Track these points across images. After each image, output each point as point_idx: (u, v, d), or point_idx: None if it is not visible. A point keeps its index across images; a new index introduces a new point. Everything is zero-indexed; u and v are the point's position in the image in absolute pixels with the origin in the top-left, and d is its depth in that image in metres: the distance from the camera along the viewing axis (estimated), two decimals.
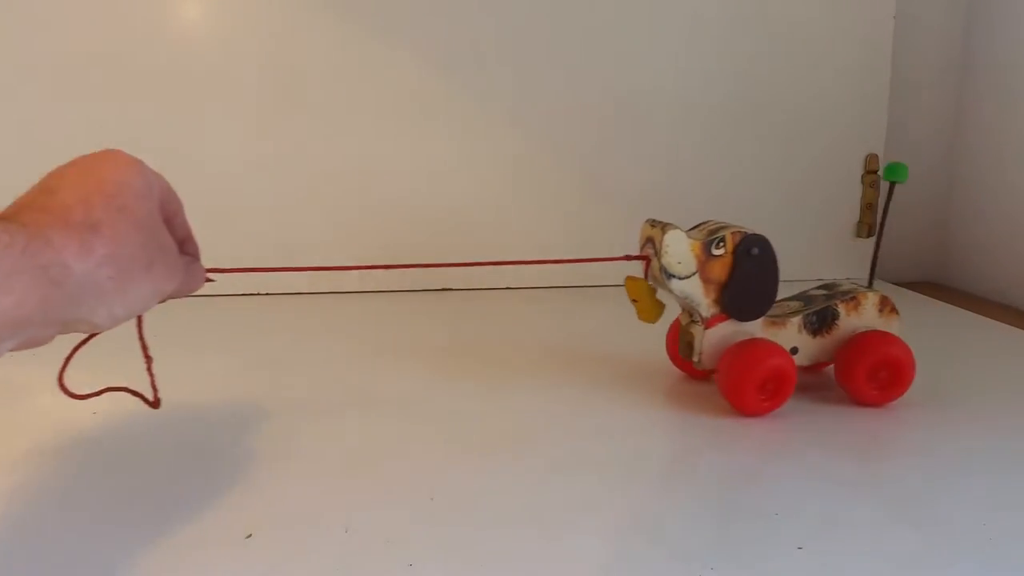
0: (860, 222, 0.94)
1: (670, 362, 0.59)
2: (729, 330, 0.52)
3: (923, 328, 0.77)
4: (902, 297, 0.88)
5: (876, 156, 0.93)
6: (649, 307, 0.53)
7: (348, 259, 0.82)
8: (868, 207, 0.93)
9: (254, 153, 0.82)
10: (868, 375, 0.53)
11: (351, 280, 0.83)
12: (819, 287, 0.57)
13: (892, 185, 0.56)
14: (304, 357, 0.65)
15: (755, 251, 0.51)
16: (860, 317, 0.54)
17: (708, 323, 0.52)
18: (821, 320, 0.54)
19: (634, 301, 0.54)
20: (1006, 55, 0.89)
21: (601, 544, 0.38)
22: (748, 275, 0.51)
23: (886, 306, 0.55)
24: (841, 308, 0.54)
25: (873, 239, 0.94)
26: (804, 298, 0.56)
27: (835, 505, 0.41)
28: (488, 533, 0.38)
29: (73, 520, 0.39)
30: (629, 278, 0.54)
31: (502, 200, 0.87)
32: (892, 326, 0.54)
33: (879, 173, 0.91)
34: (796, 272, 0.96)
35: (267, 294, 0.82)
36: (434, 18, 0.83)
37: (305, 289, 0.83)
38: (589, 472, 0.45)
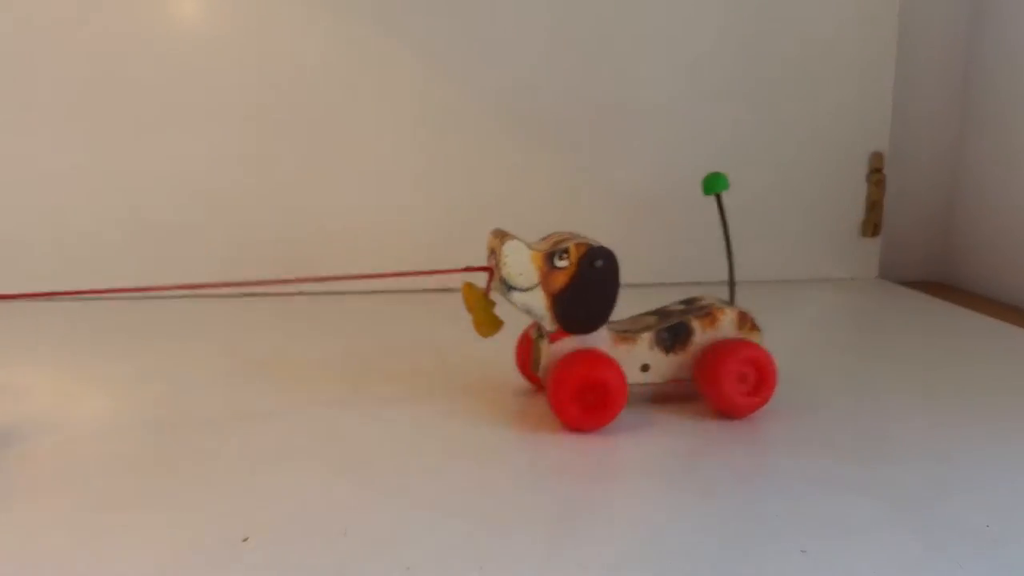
0: (865, 220, 0.93)
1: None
2: (573, 345, 0.50)
3: (926, 327, 0.77)
4: (906, 296, 0.88)
5: (881, 154, 0.92)
6: (485, 321, 0.51)
7: (351, 260, 0.82)
8: (873, 205, 0.93)
9: (255, 161, 0.82)
10: (736, 379, 0.51)
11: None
12: (680, 301, 0.55)
13: (718, 196, 0.54)
14: (301, 358, 0.65)
15: (599, 263, 0.48)
16: (717, 333, 0.52)
17: (552, 337, 0.50)
18: (674, 336, 0.52)
19: (471, 311, 0.51)
20: (1011, 53, 0.89)
21: (602, 549, 0.37)
22: (587, 287, 0.49)
23: (746, 322, 0.53)
24: (695, 324, 0.52)
25: (875, 239, 0.94)
26: (661, 313, 0.54)
27: (837, 507, 0.41)
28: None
29: (70, 521, 0.39)
30: (467, 286, 0.51)
31: (502, 199, 0.86)
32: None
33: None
34: (802, 271, 0.98)
35: (252, 295, 0.82)
36: (434, 17, 0.83)
37: (288, 290, 0.83)
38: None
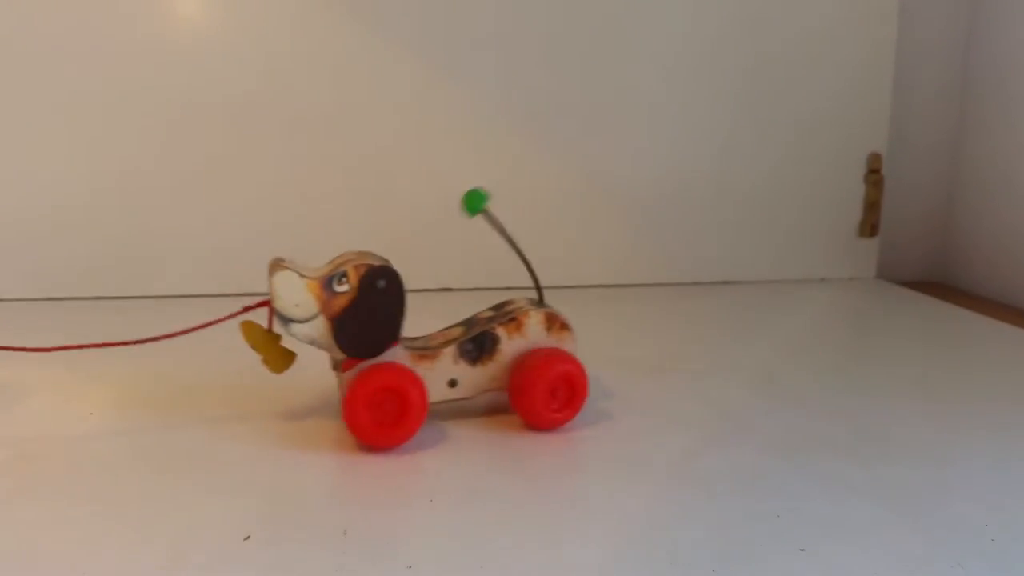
0: (863, 221, 0.94)
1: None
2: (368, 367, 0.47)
3: (924, 327, 0.77)
4: (904, 296, 0.88)
5: (879, 155, 0.93)
6: (273, 357, 0.48)
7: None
8: (871, 206, 0.93)
9: (256, 161, 0.82)
10: (546, 395, 0.49)
11: None
12: (491, 307, 0.53)
13: (486, 211, 0.50)
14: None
15: (381, 284, 0.46)
16: (526, 338, 0.50)
17: (345, 365, 0.47)
18: (479, 347, 0.49)
19: (255, 350, 0.48)
20: (1009, 53, 0.89)
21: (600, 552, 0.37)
22: (366, 309, 0.46)
23: (554, 323, 0.51)
24: (501, 331, 0.50)
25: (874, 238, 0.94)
26: (468, 322, 0.52)
27: (836, 507, 0.41)
28: None
29: (71, 520, 0.39)
30: (244, 325, 0.48)
31: (503, 200, 0.86)
32: (565, 344, 0.51)
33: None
34: (799, 271, 0.98)
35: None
36: (432, 17, 0.83)
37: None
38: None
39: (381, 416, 0.46)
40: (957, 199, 0.97)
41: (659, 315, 0.79)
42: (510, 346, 0.50)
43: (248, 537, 0.37)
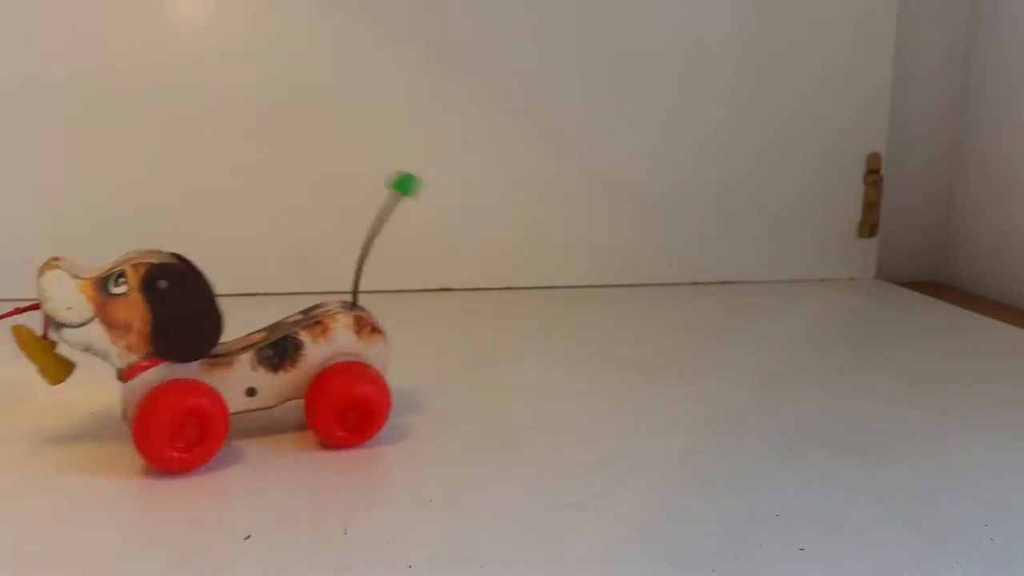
0: (862, 221, 0.94)
1: None
2: (156, 378, 0.43)
3: (923, 327, 0.77)
4: (903, 296, 0.88)
5: (878, 155, 0.93)
6: (49, 366, 0.43)
7: (351, 259, 0.82)
8: (870, 206, 0.93)
9: (252, 158, 0.82)
10: (337, 418, 0.45)
11: (339, 280, 0.83)
12: (303, 310, 0.49)
13: (399, 198, 0.48)
14: None
15: (162, 284, 0.42)
16: (332, 343, 0.47)
17: (126, 374, 0.43)
18: (280, 353, 0.46)
19: (30, 359, 0.44)
20: (1008, 53, 0.89)
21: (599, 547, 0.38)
22: (170, 311, 0.42)
23: (364, 328, 0.47)
24: (305, 336, 0.46)
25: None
26: (273, 327, 0.48)
27: (835, 506, 0.41)
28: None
29: (72, 520, 0.39)
30: (16, 330, 0.43)
31: (500, 199, 0.86)
32: (374, 350, 0.48)
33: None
34: (799, 271, 0.98)
35: (253, 294, 0.82)
36: (432, 17, 0.83)
37: (289, 289, 0.83)
38: None
39: (177, 441, 0.42)
40: (956, 199, 0.97)
41: (659, 315, 0.79)
42: (315, 352, 0.46)
43: (248, 537, 0.37)
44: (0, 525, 0.38)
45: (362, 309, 0.49)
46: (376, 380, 0.47)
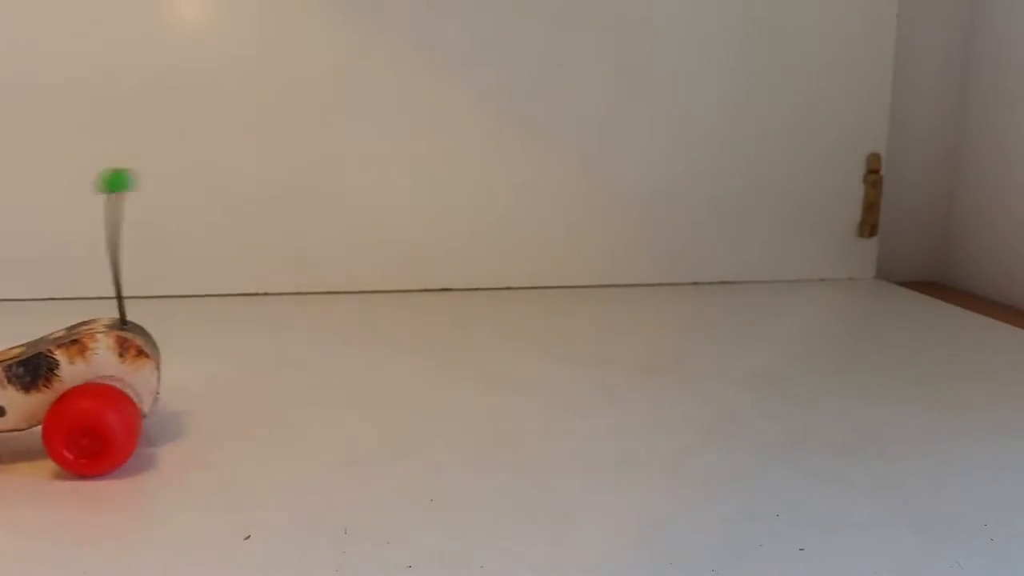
0: (862, 221, 0.94)
1: None
2: None
3: (924, 327, 0.77)
4: (903, 296, 0.88)
5: (878, 155, 0.93)
6: None
7: (351, 259, 0.82)
8: (870, 206, 0.93)
9: (252, 158, 0.82)
10: (67, 443, 0.41)
11: (339, 280, 0.83)
12: (72, 326, 0.45)
13: (116, 197, 0.44)
14: (300, 357, 0.65)
15: None
16: (92, 365, 0.43)
17: None
18: (33, 372, 0.42)
19: None
20: (1009, 53, 0.89)
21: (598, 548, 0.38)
22: None
23: (129, 350, 0.43)
24: (61, 355, 0.42)
25: None
26: (36, 341, 0.44)
27: (835, 506, 0.41)
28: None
29: (72, 519, 0.39)
30: None
31: (501, 200, 0.86)
32: (140, 375, 0.44)
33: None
34: (799, 271, 0.98)
35: (254, 294, 0.82)
36: (432, 18, 0.83)
37: (290, 289, 0.83)
38: None
39: None
40: (956, 199, 0.97)
41: (658, 315, 0.79)
42: (71, 373, 0.42)
43: (248, 536, 0.37)
44: None
45: (131, 328, 0.45)
46: (115, 402, 0.42)
